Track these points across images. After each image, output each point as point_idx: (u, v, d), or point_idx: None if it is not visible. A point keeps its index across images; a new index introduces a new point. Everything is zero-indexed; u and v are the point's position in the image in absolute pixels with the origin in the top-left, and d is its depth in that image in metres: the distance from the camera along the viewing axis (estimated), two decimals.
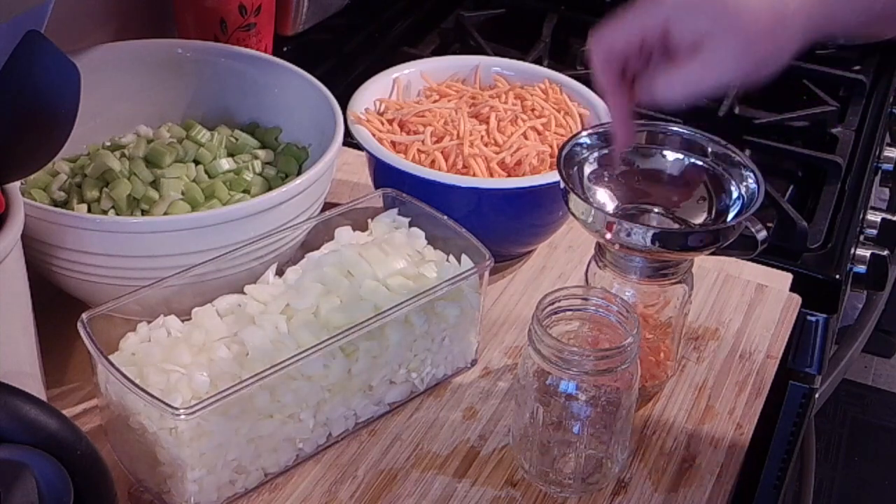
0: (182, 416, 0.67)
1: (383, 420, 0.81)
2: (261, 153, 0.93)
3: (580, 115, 0.96)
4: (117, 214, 0.84)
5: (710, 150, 0.81)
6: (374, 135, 0.92)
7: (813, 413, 1.14)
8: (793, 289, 0.97)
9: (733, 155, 0.80)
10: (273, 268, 0.80)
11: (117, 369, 0.68)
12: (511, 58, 1.07)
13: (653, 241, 0.74)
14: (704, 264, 0.96)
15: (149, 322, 0.75)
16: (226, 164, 0.90)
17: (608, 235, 0.75)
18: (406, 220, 0.85)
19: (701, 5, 0.62)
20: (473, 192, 0.88)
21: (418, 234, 0.84)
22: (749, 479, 1.13)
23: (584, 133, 0.82)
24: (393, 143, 0.92)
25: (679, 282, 0.79)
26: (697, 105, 1.32)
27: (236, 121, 0.97)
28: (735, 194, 0.79)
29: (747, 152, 1.16)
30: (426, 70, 1.01)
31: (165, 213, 0.84)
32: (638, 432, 0.81)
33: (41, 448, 0.61)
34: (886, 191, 1.46)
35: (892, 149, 1.35)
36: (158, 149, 0.88)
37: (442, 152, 0.91)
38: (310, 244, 0.84)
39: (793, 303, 0.95)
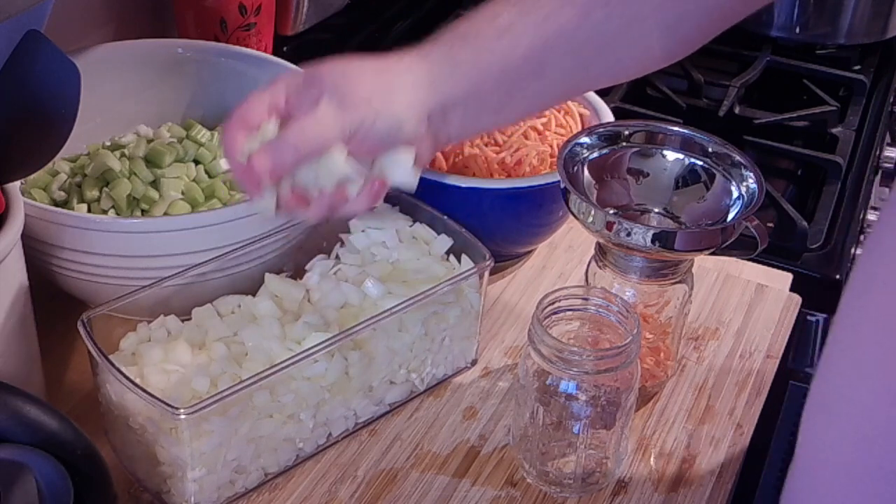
0: (182, 416, 0.67)
1: (383, 420, 0.81)
2: None
3: (580, 115, 0.96)
4: (117, 214, 0.84)
5: (710, 150, 0.81)
6: None
7: None
8: (793, 289, 0.97)
9: (733, 155, 0.80)
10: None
11: (117, 369, 0.68)
12: None
13: (653, 241, 0.74)
14: (704, 264, 0.96)
15: (149, 322, 0.75)
16: (226, 163, 0.90)
17: (608, 235, 0.75)
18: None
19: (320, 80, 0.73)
20: (473, 192, 0.87)
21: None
22: (749, 479, 1.13)
23: (584, 133, 0.82)
24: None
25: (679, 282, 0.79)
26: (698, 105, 1.31)
27: None
28: (735, 194, 0.79)
29: (748, 152, 1.16)
30: None
31: (165, 213, 0.84)
32: (638, 432, 0.81)
33: (41, 448, 0.61)
34: (886, 191, 1.46)
35: (892, 149, 1.35)
36: (158, 149, 0.88)
37: (442, 152, 0.91)
38: (310, 244, 0.84)
39: (793, 303, 0.95)
